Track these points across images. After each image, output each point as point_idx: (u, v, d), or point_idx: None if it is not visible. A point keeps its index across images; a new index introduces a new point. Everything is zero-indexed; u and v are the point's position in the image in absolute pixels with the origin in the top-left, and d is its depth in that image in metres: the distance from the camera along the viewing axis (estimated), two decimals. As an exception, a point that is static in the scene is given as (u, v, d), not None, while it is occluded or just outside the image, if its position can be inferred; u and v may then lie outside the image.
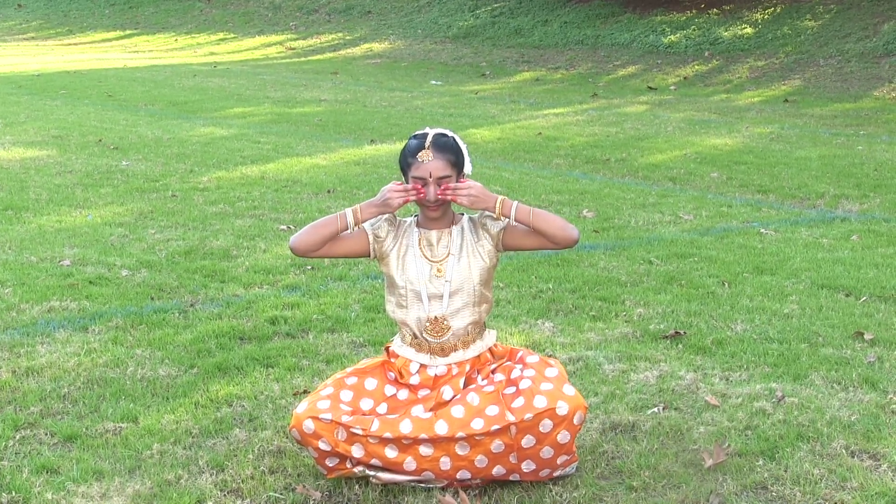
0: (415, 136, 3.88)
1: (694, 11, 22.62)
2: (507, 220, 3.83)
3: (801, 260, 6.92)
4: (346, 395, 3.80)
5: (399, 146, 5.08)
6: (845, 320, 5.63)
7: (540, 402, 3.63)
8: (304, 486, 3.80)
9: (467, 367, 3.90)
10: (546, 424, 3.64)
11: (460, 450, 3.69)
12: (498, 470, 3.73)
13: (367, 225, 3.91)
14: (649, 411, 4.43)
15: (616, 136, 12.74)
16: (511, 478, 3.77)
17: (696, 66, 19.91)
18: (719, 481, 3.83)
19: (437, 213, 3.87)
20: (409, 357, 3.93)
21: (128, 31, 31.69)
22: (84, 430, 4.26)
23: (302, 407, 3.74)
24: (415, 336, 3.92)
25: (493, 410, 3.66)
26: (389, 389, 3.89)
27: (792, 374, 4.84)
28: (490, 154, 11.45)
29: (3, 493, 3.75)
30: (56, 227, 7.79)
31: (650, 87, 18.49)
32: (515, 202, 3.81)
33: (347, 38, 27.13)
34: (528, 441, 3.67)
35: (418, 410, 3.77)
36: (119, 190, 9.19)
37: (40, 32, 33.11)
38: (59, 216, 8.14)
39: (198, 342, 5.30)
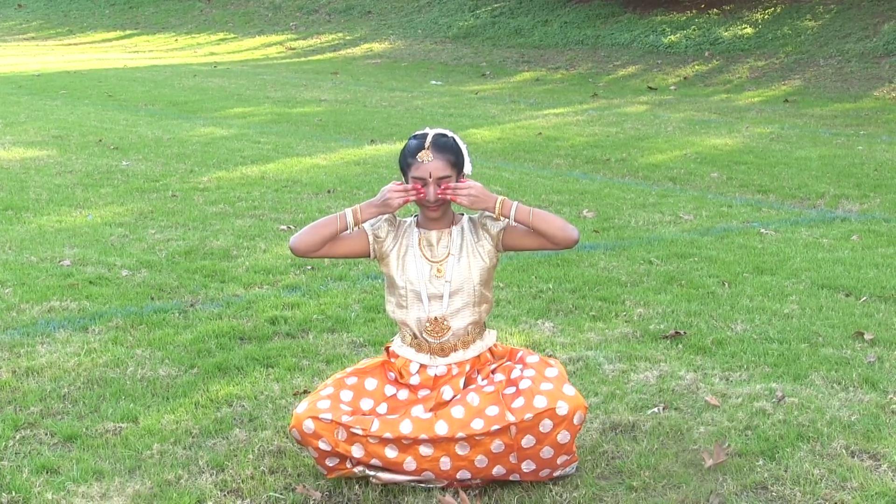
0: (414, 137, 3.88)
1: (694, 11, 22.63)
2: (507, 220, 3.83)
3: (802, 260, 6.92)
4: (347, 395, 3.80)
5: (399, 146, 5.08)
6: (845, 320, 5.63)
7: (540, 402, 3.64)
8: (304, 486, 3.80)
9: (467, 368, 3.90)
10: (546, 424, 3.64)
11: (460, 450, 3.69)
12: (498, 470, 3.73)
13: (367, 225, 3.91)
14: (649, 411, 4.43)
15: (616, 136, 12.74)
16: (511, 478, 3.77)
17: (697, 66, 19.91)
18: (719, 481, 3.83)
19: (436, 213, 3.87)
20: (409, 357, 3.93)
21: (128, 31, 31.70)
22: (84, 430, 4.26)
23: (302, 407, 3.74)
24: (415, 336, 3.92)
25: (493, 410, 3.66)
26: (389, 389, 3.89)
27: (792, 374, 4.84)
28: (490, 154, 11.45)
29: (3, 493, 3.75)
30: (56, 227, 7.79)
31: (650, 87, 18.50)
32: (515, 202, 3.81)
33: (347, 38, 27.13)
34: (528, 441, 3.67)
35: (418, 410, 3.77)
36: (119, 190, 9.19)
37: (40, 32, 33.11)
38: (59, 216, 8.14)
39: (198, 342, 5.30)
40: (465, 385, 3.85)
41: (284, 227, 7.80)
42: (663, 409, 4.46)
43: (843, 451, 4.03)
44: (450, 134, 3.88)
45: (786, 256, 7.02)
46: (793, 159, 10.99)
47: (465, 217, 3.97)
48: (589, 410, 4.06)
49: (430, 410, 3.76)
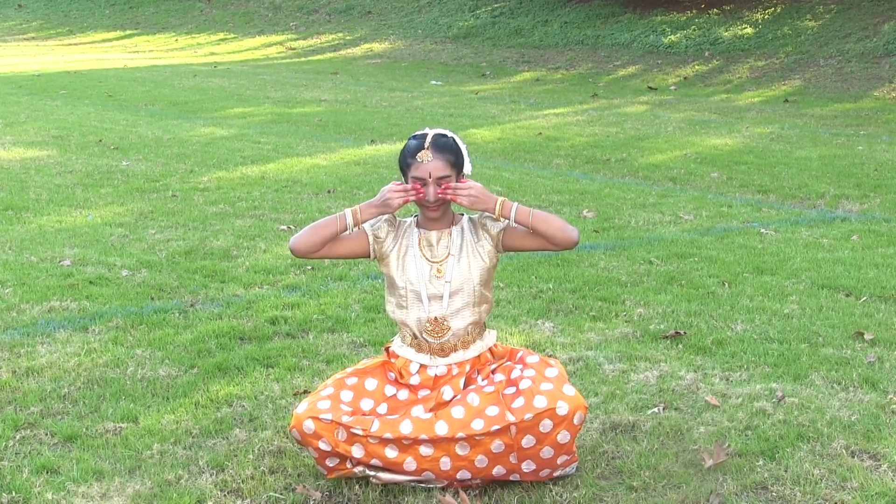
0: (414, 137, 3.88)
1: (694, 11, 22.63)
2: (507, 221, 3.83)
3: (802, 260, 6.92)
4: (347, 396, 3.80)
5: (399, 146, 5.08)
6: (845, 320, 5.63)
7: (540, 402, 3.64)
8: (304, 487, 3.80)
9: (467, 368, 3.90)
10: (546, 424, 3.64)
11: (460, 450, 3.69)
12: (498, 470, 3.73)
13: (366, 225, 3.91)
14: (649, 411, 4.43)
15: (616, 137, 12.74)
16: (511, 478, 3.77)
17: (697, 67, 19.91)
18: (719, 481, 3.83)
19: (436, 213, 3.87)
20: (410, 357, 3.93)
21: (128, 32, 31.70)
22: (84, 430, 4.26)
23: (302, 407, 3.74)
24: (415, 336, 3.92)
25: (493, 411, 3.66)
26: (389, 390, 3.89)
27: (792, 374, 4.84)
28: (490, 154, 11.45)
29: (3, 493, 3.75)
30: (56, 227, 7.79)
31: (650, 88, 18.50)
32: (515, 203, 3.81)
33: (347, 38, 27.13)
34: (528, 441, 3.67)
35: (418, 411, 3.77)
36: (119, 190, 9.19)
37: (40, 32, 33.11)
38: (59, 216, 8.14)
39: (198, 342, 5.30)
40: (466, 385, 3.85)
41: (284, 227, 7.80)
42: (663, 409, 4.46)
43: (844, 451, 4.03)
44: (449, 134, 3.88)
45: (786, 256, 7.02)
46: (793, 159, 10.99)
47: (465, 217, 3.97)
48: (589, 410, 4.06)
49: (430, 410, 3.76)
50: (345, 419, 3.70)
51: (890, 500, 3.68)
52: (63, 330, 5.48)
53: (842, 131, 13.29)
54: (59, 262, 6.79)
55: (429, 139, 3.82)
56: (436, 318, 3.88)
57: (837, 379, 4.78)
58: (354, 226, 3.86)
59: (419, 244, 3.91)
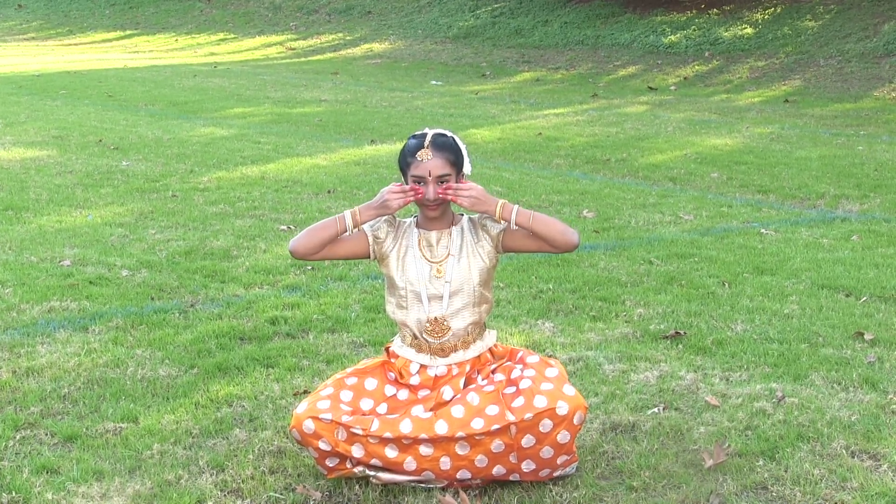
0: (414, 136, 3.88)
1: (694, 11, 22.63)
2: (508, 223, 3.83)
3: (802, 260, 6.92)
4: (346, 396, 3.80)
5: (399, 146, 5.08)
6: (845, 320, 5.63)
7: (540, 402, 3.64)
8: (304, 487, 3.80)
9: (467, 368, 3.90)
10: (546, 424, 3.64)
11: (460, 450, 3.69)
12: (498, 470, 3.73)
13: (366, 226, 3.91)
14: (649, 411, 4.43)
15: (616, 137, 12.74)
16: (511, 478, 3.77)
17: (697, 67, 19.91)
18: (719, 481, 3.83)
19: (436, 212, 3.87)
20: (410, 357, 3.93)
21: (128, 32, 31.70)
22: (84, 430, 4.26)
23: (302, 407, 3.74)
24: (415, 337, 3.92)
25: (493, 410, 3.66)
26: (389, 389, 3.89)
27: (792, 375, 4.84)
28: (490, 154, 11.45)
29: (3, 493, 3.75)
30: (56, 227, 7.79)
31: (650, 88, 18.50)
32: (516, 206, 3.81)
33: (347, 38, 27.14)
34: (528, 441, 3.67)
35: (418, 410, 3.77)
36: (119, 190, 9.19)
37: (40, 33, 33.11)
38: (59, 216, 8.14)
39: (198, 342, 5.30)
40: (466, 385, 3.85)
41: (284, 227, 7.80)
42: (663, 409, 4.46)
43: (844, 451, 4.03)
44: (449, 134, 3.88)
45: (786, 256, 7.02)
46: (793, 159, 10.99)
47: (465, 217, 3.97)
48: (589, 410, 4.05)
49: (430, 410, 3.76)
50: (345, 419, 3.70)
51: (890, 501, 3.68)
52: (63, 330, 5.48)
53: (842, 131, 13.29)
54: (59, 262, 6.79)
55: (428, 138, 3.82)
56: (436, 319, 3.88)
57: (837, 379, 4.78)
58: (354, 227, 3.86)
59: (419, 244, 3.91)
